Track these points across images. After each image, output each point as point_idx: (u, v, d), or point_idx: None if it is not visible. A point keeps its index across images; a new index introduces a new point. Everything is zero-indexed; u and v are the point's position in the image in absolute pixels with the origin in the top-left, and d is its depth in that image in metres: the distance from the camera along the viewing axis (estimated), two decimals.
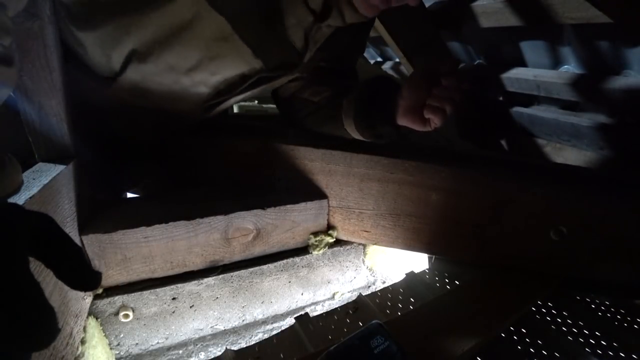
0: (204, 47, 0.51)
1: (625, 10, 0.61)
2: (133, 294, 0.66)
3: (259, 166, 0.82)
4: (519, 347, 0.51)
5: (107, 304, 0.65)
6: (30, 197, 0.43)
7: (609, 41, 0.80)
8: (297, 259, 0.80)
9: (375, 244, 0.82)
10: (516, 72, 1.05)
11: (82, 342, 0.56)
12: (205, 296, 0.72)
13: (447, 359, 0.47)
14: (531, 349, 0.51)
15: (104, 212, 0.68)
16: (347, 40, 0.66)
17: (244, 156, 0.82)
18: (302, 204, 0.76)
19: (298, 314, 0.63)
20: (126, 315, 0.66)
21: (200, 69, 0.55)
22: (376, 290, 0.74)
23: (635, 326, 0.57)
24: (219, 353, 0.56)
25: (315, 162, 0.78)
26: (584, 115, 1.02)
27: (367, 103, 0.59)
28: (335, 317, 0.64)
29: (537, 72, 1.00)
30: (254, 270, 0.75)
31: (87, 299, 0.61)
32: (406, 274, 0.77)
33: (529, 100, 1.14)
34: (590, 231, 0.60)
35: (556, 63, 0.97)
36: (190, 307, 0.72)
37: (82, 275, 0.26)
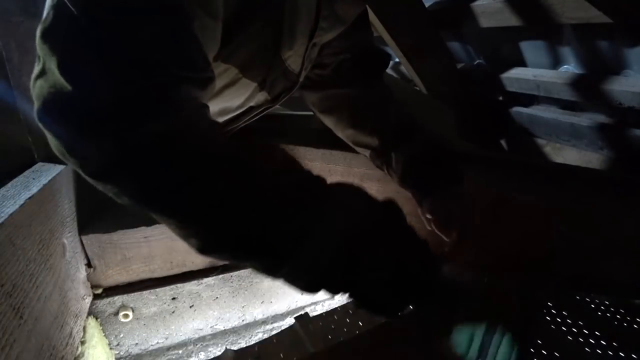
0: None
1: (625, 10, 0.61)
2: (133, 294, 0.66)
3: None
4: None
5: (107, 304, 0.65)
6: (30, 197, 0.43)
7: (608, 41, 0.80)
8: None
9: None
10: (516, 72, 1.05)
11: (82, 342, 0.56)
12: (205, 296, 0.72)
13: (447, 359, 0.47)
14: (531, 349, 0.51)
15: (104, 212, 0.68)
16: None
17: None
18: None
19: (298, 314, 0.63)
20: (126, 315, 0.66)
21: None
22: None
23: (635, 326, 0.57)
24: (219, 353, 0.56)
25: (315, 161, 0.77)
26: (583, 115, 1.02)
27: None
28: (335, 317, 0.64)
29: (537, 72, 1.00)
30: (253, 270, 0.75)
31: (87, 299, 0.61)
32: None
33: (529, 100, 1.14)
34: (590, 231, 0.60)
35: (556, 63, 0.97)
36: (190, 307, 0.72)
37: None
